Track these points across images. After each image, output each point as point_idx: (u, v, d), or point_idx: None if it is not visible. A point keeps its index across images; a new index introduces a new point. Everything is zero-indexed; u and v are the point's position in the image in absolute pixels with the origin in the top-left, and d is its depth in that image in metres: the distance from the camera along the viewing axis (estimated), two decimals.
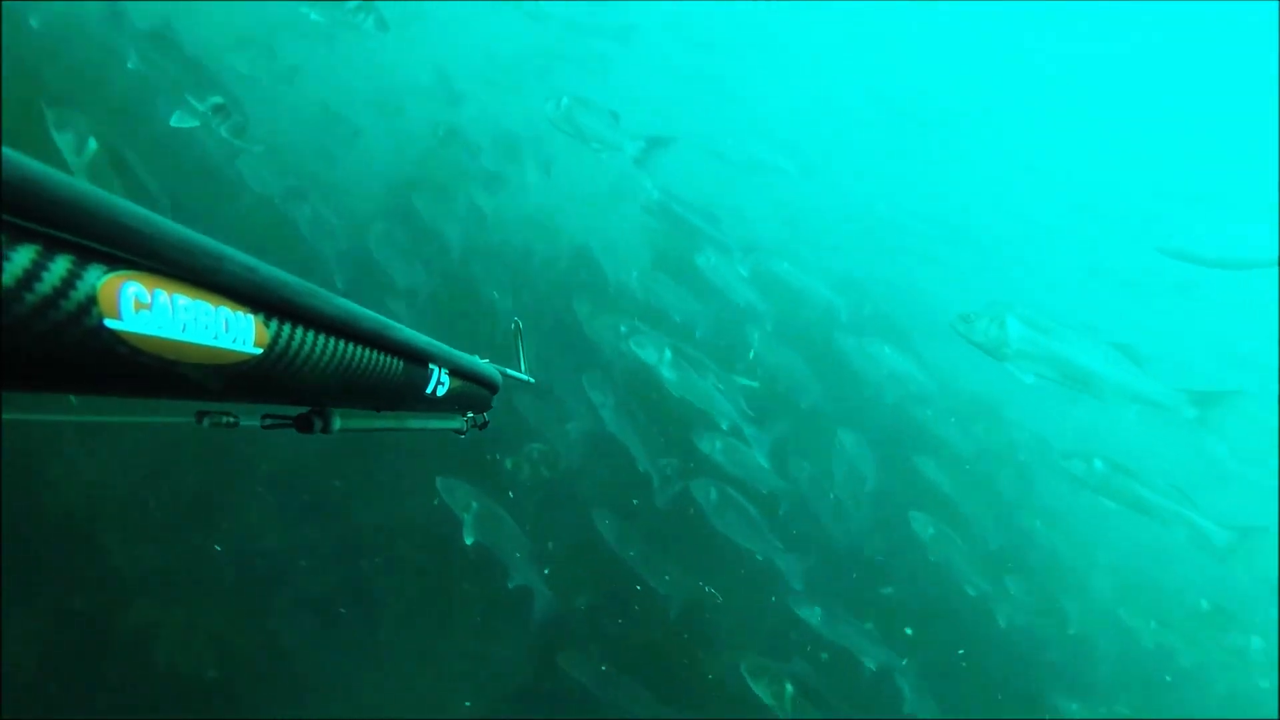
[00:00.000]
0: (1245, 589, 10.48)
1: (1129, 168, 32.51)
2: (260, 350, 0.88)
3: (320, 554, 6.83)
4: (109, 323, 0.68)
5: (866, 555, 9.18)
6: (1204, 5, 30.00)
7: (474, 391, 1.64)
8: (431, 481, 6.61)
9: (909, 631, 8.62)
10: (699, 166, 16.39)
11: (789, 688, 6.04)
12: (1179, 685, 10.21)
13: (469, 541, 6.41)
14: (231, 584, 6.29)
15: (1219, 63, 31.74)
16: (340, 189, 9.25)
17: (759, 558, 7.58)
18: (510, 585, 6.63)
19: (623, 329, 7.80)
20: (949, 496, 9.44)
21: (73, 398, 0.79)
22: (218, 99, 5.67)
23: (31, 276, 0.61)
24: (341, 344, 1.05)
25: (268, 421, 1.18)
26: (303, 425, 1.19)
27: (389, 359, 1.21)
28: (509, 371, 1.98)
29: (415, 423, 1.58)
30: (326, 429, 1.20)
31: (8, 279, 0.59)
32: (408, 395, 1.34)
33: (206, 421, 1.06)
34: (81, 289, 0.65)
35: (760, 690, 6.09)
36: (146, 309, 0.71)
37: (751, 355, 9.60)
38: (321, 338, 1.00)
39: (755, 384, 9.23)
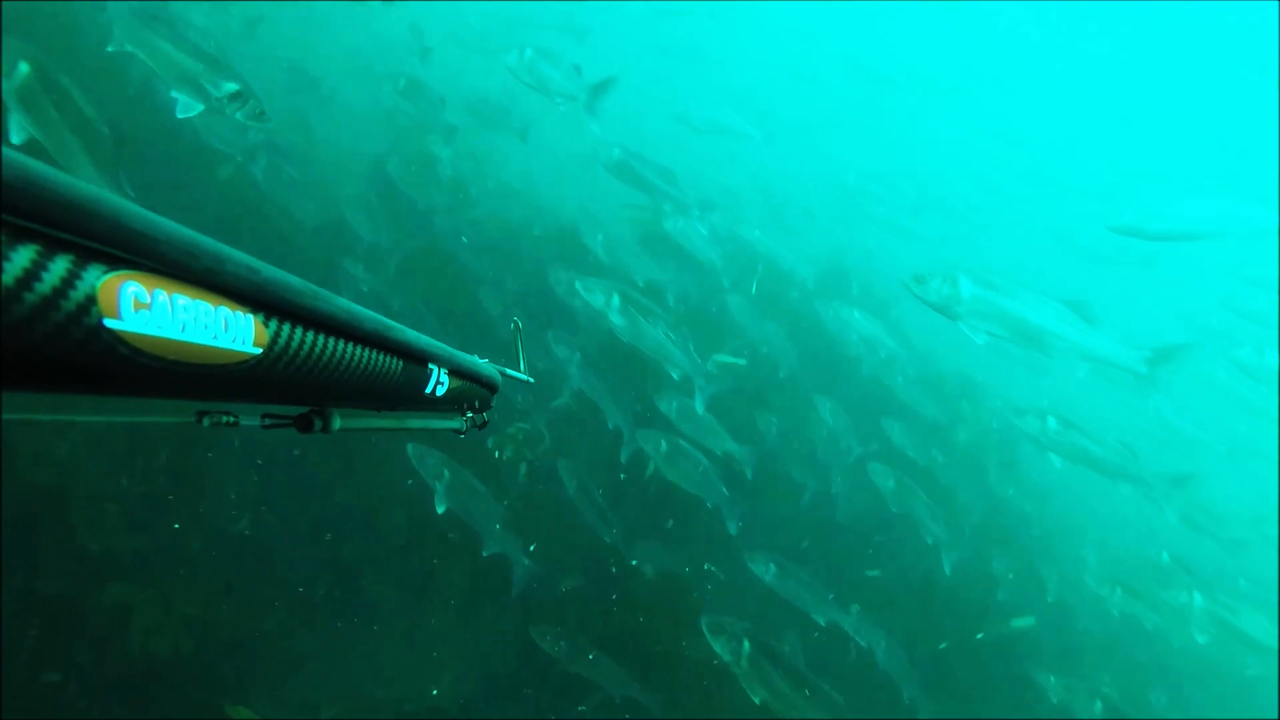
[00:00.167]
0: (1204, 546, 10.91)
1: (1098, 139, 32.80)
2: (260, 350, 0.88)
3: (299, 534, 6.78)
4: (109, 322, 0.68)
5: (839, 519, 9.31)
6: None
7: (474, 391, 1.65)
8: (411, 461, 6.59)
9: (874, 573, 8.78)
10: (668, 133, 16.36)
11: (746, 645, 6.05)
12: (1128, 633, 10.53)
13: (440, 510, 6.40)
14: (208, 565, 6.22)
15: (1189, 38, 31.98)
16: (303, 148, 9.05)
17: (709, 505, 7.66)
18: (485, 554, 6.60)
19: (578, 284, 7.77)
20: (912, 459, 9.71)
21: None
22: (233, 86, 5.51)
23: (31, 276, 0.61)
24: (341, 344, 1.05)
25: (268, 421, 1.17)
26: (303, 425, 1.19)
27: (388, 359, 1.21)
28: (508, 371, 2.00)
29: (415, 422, 1.59)
30: (326, 429, 1.20)
31: (8, 279, 0.59)
32: (407, 395, 1.34)
33: (206, 421, 1.05)
34: (81, 289, 0.65)
35: (719, 647, 6.11)
36: (146, 309, 0.72)
37: (754, 289, 9.57)
38: (321, 338, 1.00)
39: (741, 360, 9.31)
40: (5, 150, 0.58)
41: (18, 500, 5.41)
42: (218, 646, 5.93)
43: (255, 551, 6.50)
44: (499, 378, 1.81)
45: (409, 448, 6.48)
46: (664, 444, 7.44)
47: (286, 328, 0.93)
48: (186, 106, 5.55)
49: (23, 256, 0.60)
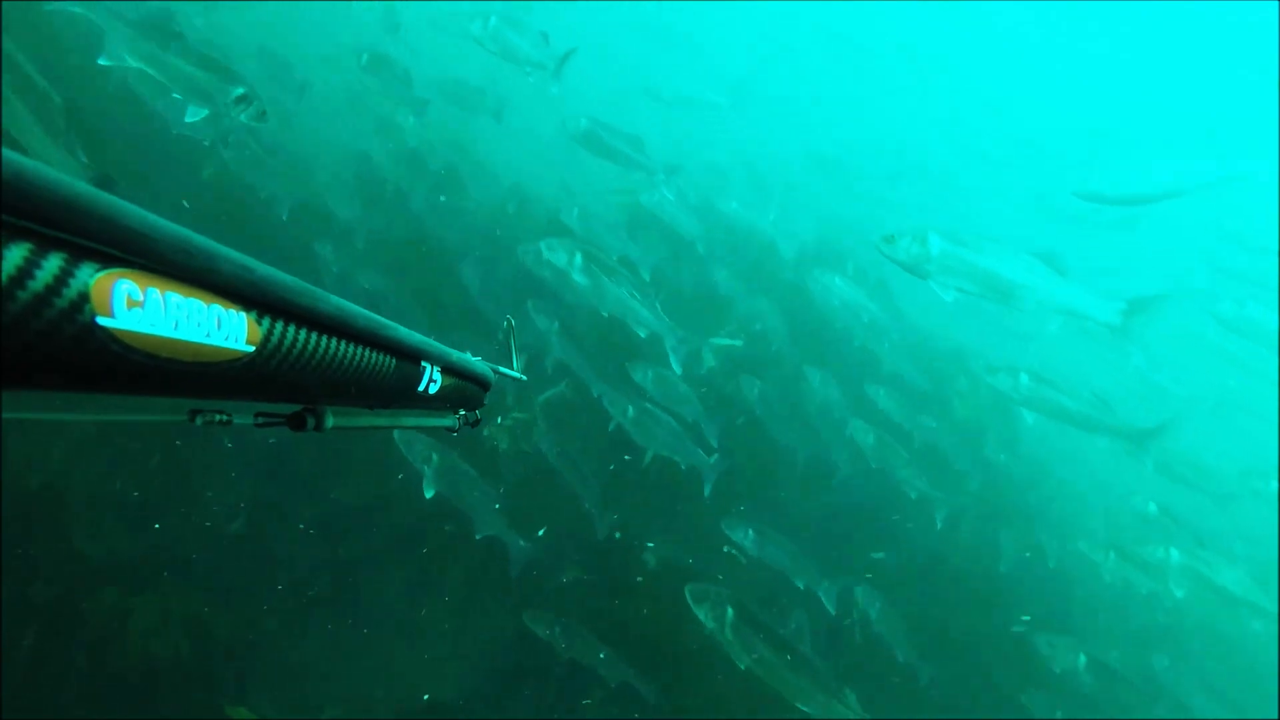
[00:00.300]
0: (1196, 503, 11.07)
1: (1080, 105, 32.84)
2: (252, 348, 0.89)
3: (297, 533, 6.77)
4: (101, 320, 0.68)
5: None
6: None
7: (466, 389, 1.66)
8: (399, 447, 6.58)
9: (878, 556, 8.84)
10: (659, 113, 16.35)
11: (730, 612, 6.08)
12: (1128, 599, 10.67)
13: (429, 495, 6.40)
14: (205, 567, 6.21)
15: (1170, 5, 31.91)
16: (275, 130, 8.95)
17: (682, 466, 7.67)
18: (478, 537, 6.60)
19: (542, 245, 7.78)
20: (899, 424, 9.75)
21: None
22: (239, 90, 5.70)
23: (24, 274, 0.61)
24: (334, 342, 1.06)
25: (261, 420, 1.18)
26: (296, 423, 1.20)
27: (381, 357, 1.22)
28: (501, 369, 2.00)
29: (408, 420, 1.59)
30: (319, 427, 1.21)
31: (1, 277, 0.60)
32: (400, 393, 1.35)
33: (199, 419, 1.06)
34: (74, 287, 0.65)
35: (702, 614, 6.14)
36: (139, 307, 0.72)
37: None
38: (314, 336, 1.01)
39: (739, 341, 9.33)
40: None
41: (10, 504, 5.38)
42: (217, 648, 5.93)
43: (252, 552, 6.49)
44: (491, 375, 1.82)
45: (395, 433, 6.45)
46: (630, 409, 7.47)
47: (279, 326, 0.93)
48: (193, 112, 5.76)
49: (15, 255, 0.60)
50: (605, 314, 7.92)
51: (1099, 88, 34.53)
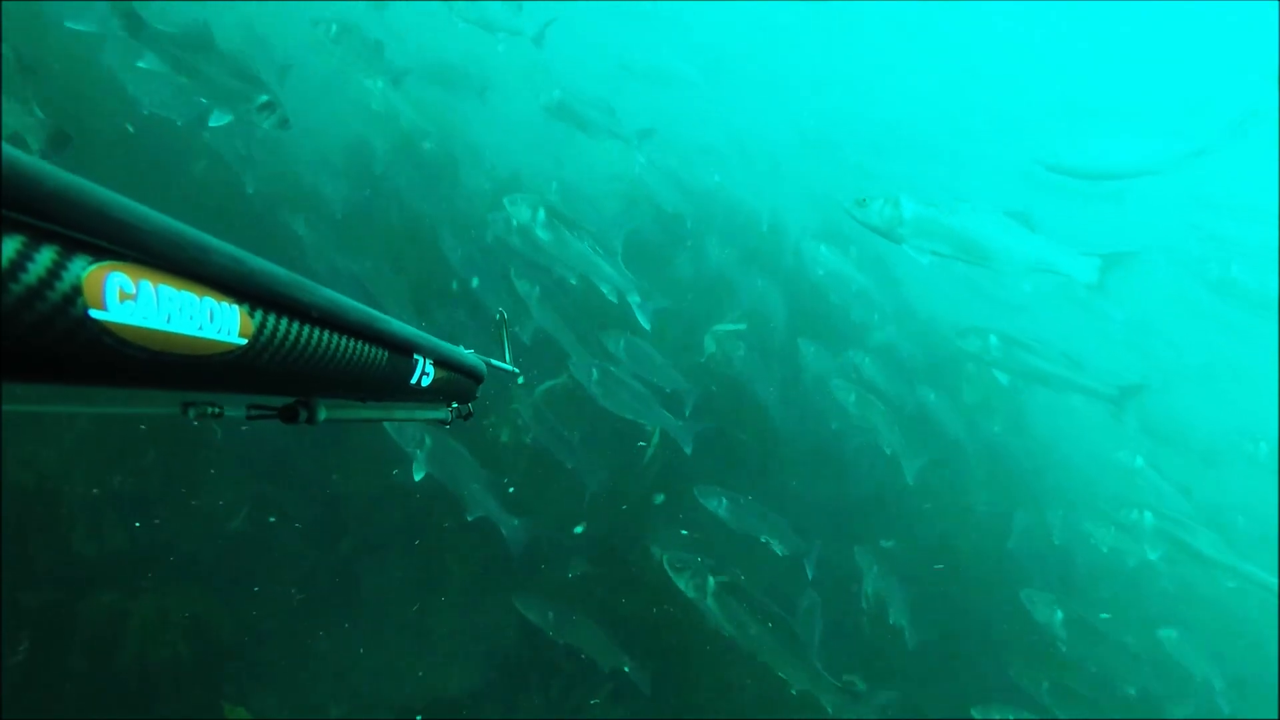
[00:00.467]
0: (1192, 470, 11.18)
1: (1062, 78, 32.77)
2: (245, 341, 0.90)
3: (297, 530, 6.76)
4: (94, 313, 0.69)
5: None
6: None
7: (459, 382, 1.67)
8: (399, 444, 6.57)
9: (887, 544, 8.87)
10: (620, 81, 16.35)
11: (711, 581, 6.10)
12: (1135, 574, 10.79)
13: (418, 477, 6.40)
14: (205, 567, 6.19)
15: None
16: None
17: (647, 428, 7.67)
18: (469, 518, 6.60)
19: (505, 200, 7.78)
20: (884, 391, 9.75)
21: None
22: (264, 97, 6.05)
23: (16, 267, 0.62)
24: (326, 335, 1.07)
25: (253, 412, 1.18)
26: (288, 416, 1.21)
27: (374, 350, 1.22)
28: (493, 362, 2.02)
29: (400, 413, 1.61)
30: (312, 420, 1.22)
31: None
32: (393, 386, 1.36)
33: (192, 412, 1.06)
34: (66, 280, 0.66)
35: (683, 584, 6.14)
36: (131, 299, 0.73)
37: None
38: (306, 328, 1.02)
39: (742, 325, 9.36)
40: None
41: (6, 503, 5.38)
42: (218, 651, 5.93)
43: (252, 549, 6.48)
44: (484, 368, 1.83)
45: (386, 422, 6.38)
46: (595, 372, 7.44)
47: (271, 318, 0.94)
48: (219, 117, 6.12)
49: (8, 248, 0.61)
50: (574, 281, 8.00)
51: (1085, 60, 34.45)
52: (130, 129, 7.22)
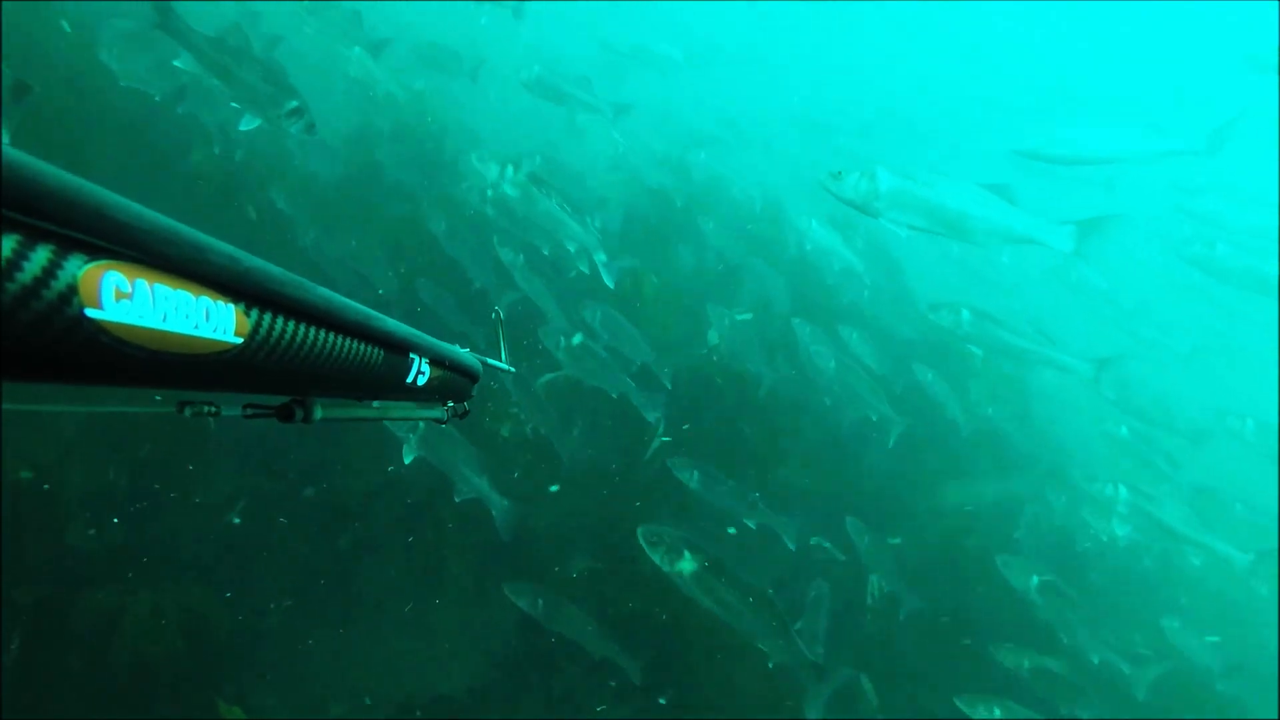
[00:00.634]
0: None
1: (1051, 60, 32.71)
2: (241, 340, 0.90)
3: (294, 526, 6.74)
4: (90, 312, 0.69)
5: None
6: None
7: (455, 381, 1.68)
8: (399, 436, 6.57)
9: (896, 541, 8.89)
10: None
11: (686, 554, 6.09)
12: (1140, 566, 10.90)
13: (408, 460, 6.41)
14: (203, 562, 6.19)
15: None
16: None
17: (614, 395, 7.69)
18: (457, 499, 6.60)
19: (474, 157, 7.83)
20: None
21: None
22: (293, 103, 6.33)
23: (12, 267, 0.62)
24: (322, 333, 1.07)
25: (249, 411, 1.20)
26: (284, 415, 1.22)
27: (369, 348, 1.23)
28: (489, 360, 2.04)
29: (396, 412, 1.62)
30: (308, 418, 1.23)
31: None
32: (389, 384, 1.37)
33: (188, 411, 1.07)
34: (62, 279, 0.66)
35: (657, 558, 6.12)
36: (127, 298, 0.73)
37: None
38: (302, 327, 1.02)
39: (749, 315, 9.37)
40: None
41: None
42: (216, 649, 5.90)
43: (248, 545, 6.47)
44: (480, 367, 1.85)
45: (374, 403, 6.33)
46: (563, 340, 7.53)
47: (267, 317, 0.95)
48: (249, 121, 6.41)
49: (4, 247, 0.61)
50: (547, 252, 8.09)
51: (1077, 46, 34.40)
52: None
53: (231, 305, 0.88)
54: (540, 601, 6.38)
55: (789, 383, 9.45)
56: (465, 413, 1.87)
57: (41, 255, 0.64)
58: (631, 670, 6.50)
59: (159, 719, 5.46)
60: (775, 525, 7.43)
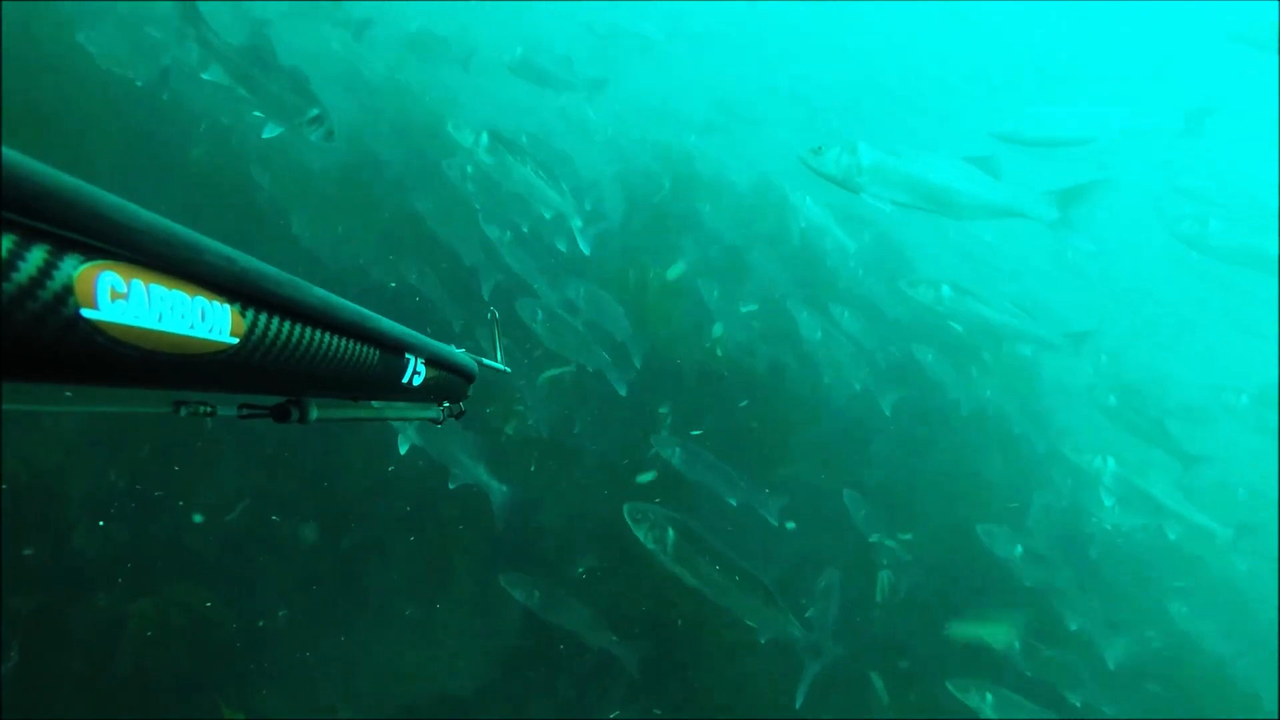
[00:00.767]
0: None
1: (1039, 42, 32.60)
2: (236, 340, 0.91)
3: (297, 527, 6.71)
4: (85, 312, 0.69)
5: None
6: None
7: (450, 381, 1.69)
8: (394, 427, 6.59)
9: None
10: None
11: (671, 533, 6.10)
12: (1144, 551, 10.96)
13: (403, 450, 6.46)
14: (205, 566, 6.17)
15: None
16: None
17: (589, 369, 7.75)
18: (452, 486, 6.61)
19: (449, 125, 7.89)
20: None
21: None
22: (315, 111, 6.57)
23: (8, 267, 0.62)
24: (318, 334, 1.08)
25: (244, 411, 1.21)
26: (279, 415, 1.23)
27: (365, 349, 1.24)
28: (485, 361, 2.04)
29: (392, 412, 1.63)
30: (303, 419, 1.24)
31: None
32: (384, 385, 1.38)
33: (183, 411, 1.08)
34: (58, 279, 0.67)
35: (642, 535, 6.12)
36: (123, 299, 0.73)
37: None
38: (298, 327, 1.03)
39: (754, 306, 9.41)
40: None
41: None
42: (219, 655, 5.91)
43: (251, 546, 6.46)
44: (475, 367, 1.86)
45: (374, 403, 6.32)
46: (540, 311, 7.56)
47: (263, 317, 0.95)
48: (271, 128, 6.63)
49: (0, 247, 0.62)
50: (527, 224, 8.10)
51: (1062, 28, 34.25)
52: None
53: (227, 305, 0.88)
54: (536, 593, 6.41)
55: (796, 376, 9.45)
56: (461, 413, 1.88)
57: (37, 255, 0.64)
58: (630, 661, 6.53)
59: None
60: (756, 503, 7.43)
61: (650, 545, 6.11)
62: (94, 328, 0.70)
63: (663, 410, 7.94)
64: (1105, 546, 10.71)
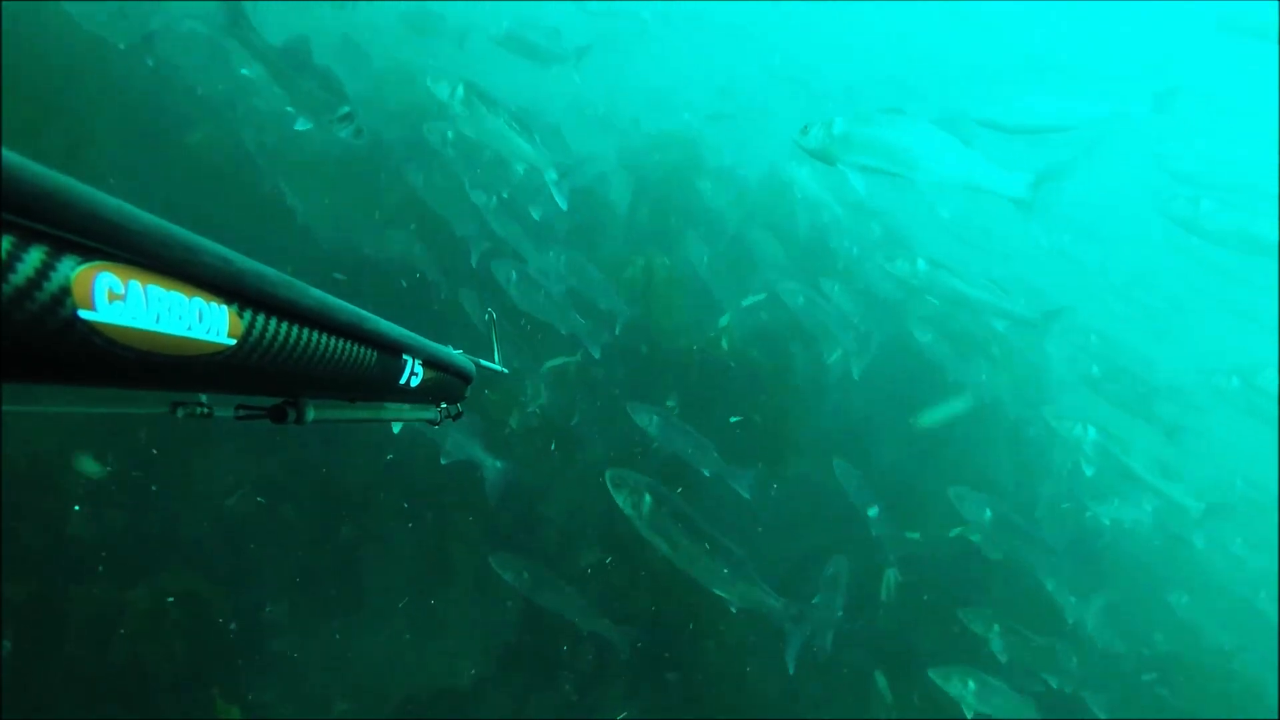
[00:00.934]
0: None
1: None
2: (234, 341, 0.91)
3: (295, 516, 6.68)
4: (83, 313, 0.70)
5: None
6: None
7: (447, 382, 1.70)
8: (408, 432, 6.58)
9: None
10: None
11: (648, 499, 6.09)
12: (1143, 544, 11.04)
13: (396, 429, 6.44)
14: (202, 556, 6.15)
15: None
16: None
17: (563, 332, 7.76)
18: (443, 462, 6.62)
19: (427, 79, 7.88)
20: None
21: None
22: (346, 109, 6.75)
23: (5, 268, 0.63)
24: (315, 335, 1.08)
25: (241, 412, 1.21)
26: (276, 416, 1.23)
27: (363, 350, 1.24)
28: (482, 362, 2.05)
29: (389, 413, 1.64)
30: (300, 420, 1.24)
31: None
32: (382, 386, 1.38)
33: (181, 412, 1.08)
34: (56, 280, 0.67)
35: (621, 501, 6.12)
36: (120, 300, 0.74)
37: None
38: (295, 329, 1.03)
39: (761, 296, 9.50)
40: None
41: None
42: (217, 646, 5.87)
43: (249, 535, 6.44)
44: (472, 368, 1.87)
45: None
46: (514, 273, 7.58)
47: (260, 318, 0.96)
48: (303, 123, 6.83)
49: None
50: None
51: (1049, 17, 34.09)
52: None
53: (224, 307, 0.88)
54: (526, 574, 6.42)
55: (802, 369, 9.44)
56: (458, 414, 1.89)
57: (35, 257, 0.65)
58: (621, 646, 6.57)
59: (155, 719, 5.45)
60: (729, 476, 7.36)
61: (628, 511, 6.14)
62: (91, 329, 0.70)
63: (670, 404, 7.92)
64: (1107, 540, 10.77)
